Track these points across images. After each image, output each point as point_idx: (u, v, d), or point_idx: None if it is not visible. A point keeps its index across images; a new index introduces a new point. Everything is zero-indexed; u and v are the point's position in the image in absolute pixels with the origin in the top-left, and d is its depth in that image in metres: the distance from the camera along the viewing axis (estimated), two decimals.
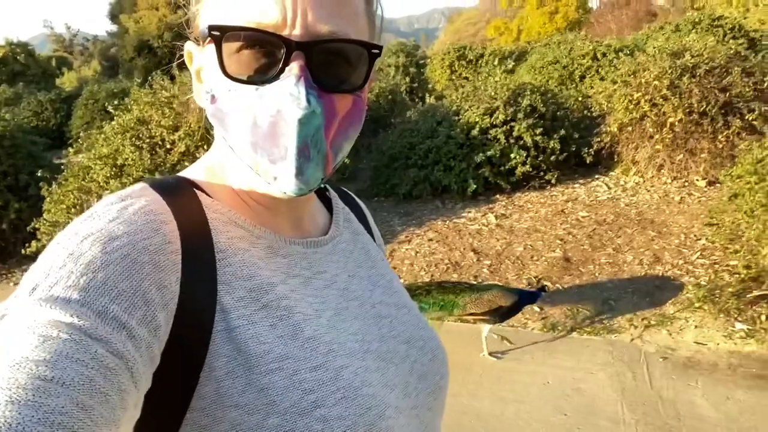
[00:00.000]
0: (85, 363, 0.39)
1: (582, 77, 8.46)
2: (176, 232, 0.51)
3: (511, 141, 5.94)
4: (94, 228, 0.47)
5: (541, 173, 6.06)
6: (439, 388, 0.68)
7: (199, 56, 0.57)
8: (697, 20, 11.09)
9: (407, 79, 11.63)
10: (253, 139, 0.52)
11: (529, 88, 6.36)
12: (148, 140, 4.64)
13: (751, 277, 3.67)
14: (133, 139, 4.66)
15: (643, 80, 5.87)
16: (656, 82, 5.71)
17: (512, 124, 5.96)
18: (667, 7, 31.87)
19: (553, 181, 6.06)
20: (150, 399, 0.46)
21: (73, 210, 4.61)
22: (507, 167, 5.95)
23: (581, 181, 6.28)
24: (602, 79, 7.75)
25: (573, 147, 6.22)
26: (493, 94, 6.31)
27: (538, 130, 5.94)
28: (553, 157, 6.03)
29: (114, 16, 22.43)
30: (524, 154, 5.90)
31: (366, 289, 0.66)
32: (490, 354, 3.33)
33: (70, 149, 5.25)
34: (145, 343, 0.44)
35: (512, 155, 5.89)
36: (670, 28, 11.26)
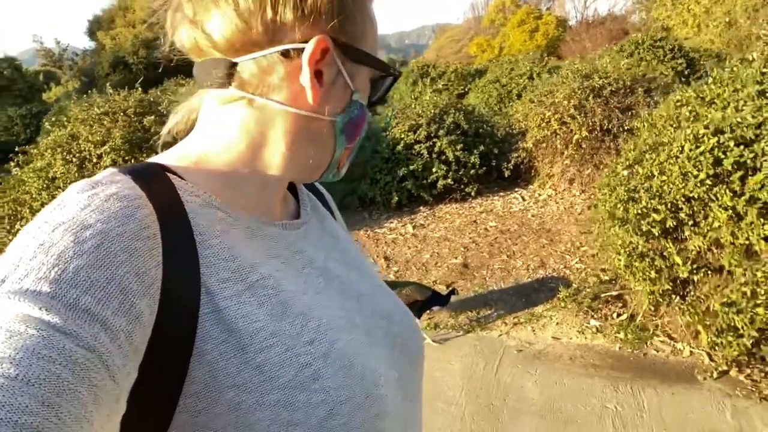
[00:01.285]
0: (52, 359, 0.38)
1: (519, 95, 8.93)
2: (153, 216, 0.49)
3: (434, 156, 6.35)
4: (65, 217, 0.45)
5: (462, 186, 6.46)
6: (417, 360, 0.72)
7: (347, 65, 0.59)
8: (640, 41, 11.64)
9: None
10: (356, 144, 0.66)
11: (454, 106, 6.78)
12: (77, 155, 4.99)
13: (609, 279, 4.07)
14: (65, 153, 5.01)
15: (555, 100, 6.31)
16: (565, 102, 6.16)
17: (435, 140, 6.37)
18: (638, 26, 32.80)
19: (473, 194, 6.46)
20: (138, 389, 0.45)
21: (6, 220, 4.93)
22: (429, 180, 6.34)
23: (501, 193, 6.69)
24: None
25: (494, 162, 6.63)
26: (420, 111, 6.72)
27: (459, 146, 6.36)
28: (473, 171, 6.43)
29: (92, 33, 22.82)
30: (445, 169, 6.30)
31: (342, 269, 0.69)
32: None
33: (11, 163, 5.58)
34: (123, 334, 0.43)
35: (434, 169, 6.29)
36: (615, 48, 11.80)
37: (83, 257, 0.43)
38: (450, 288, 3.80)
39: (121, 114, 5.17)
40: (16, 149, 5.26)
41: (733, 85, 3.42)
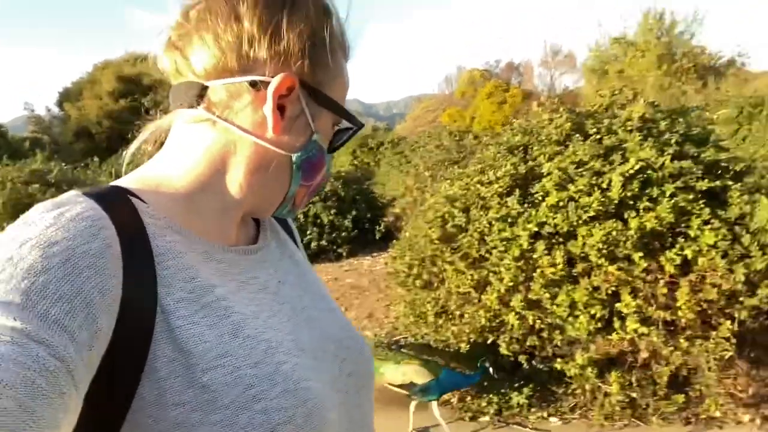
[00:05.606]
0: (27, 365, 0.39)
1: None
2: (115, 237, 0.50)
3: (309, 219, 7.04)
4: (32, 233, 0.46)
5: (335, 247, 7.12)
6: (367, 385, 0.72)
7: (310, 106, 0.63)
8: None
9: None
10: (316, 184, 0.69)
11: (334, 175, 7.55)
12: None
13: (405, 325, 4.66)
14: None
15: (417, 171, 7.11)
16: (424, 172, 6.95)
17: (309, 205, 7.08)
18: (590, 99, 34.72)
19: (344, 254, 7.12)
20: (89, 402, 0.46)
21: None
22: (304, 242, 6.98)
23: (375, 254, 7.34)
24: None
25: (367, 225, 7.35)
26: None
27: (333, 211, 7.07)
28: (344, 234, 7.12)
29: (61, 103, 24.01)
30: (317, 231, 6.98)
31: (296, 294, 0.70)
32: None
33: None
34: (86, 347, 0.44)
35: (308, 232, 6.98)
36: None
37: (51, 271, 0.44)
38: (481, 364, 3.16)
39: (9, 182, 5.86)
40: None
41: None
